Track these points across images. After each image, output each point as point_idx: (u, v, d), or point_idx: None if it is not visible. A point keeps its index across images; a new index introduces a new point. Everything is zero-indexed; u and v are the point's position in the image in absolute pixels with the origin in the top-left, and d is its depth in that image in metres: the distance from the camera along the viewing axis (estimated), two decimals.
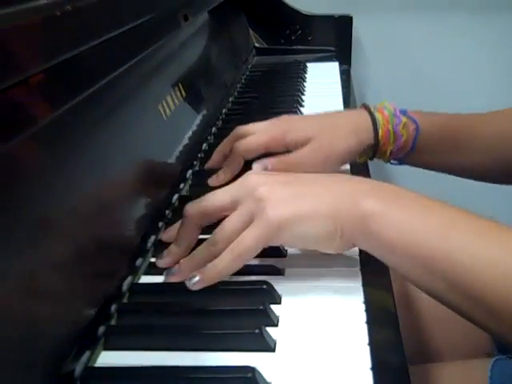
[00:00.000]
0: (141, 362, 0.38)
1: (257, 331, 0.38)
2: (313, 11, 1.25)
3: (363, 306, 0.42)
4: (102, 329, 0.40)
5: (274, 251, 0.47)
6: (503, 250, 0.39)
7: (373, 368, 0.36)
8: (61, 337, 0.36)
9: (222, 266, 0.42)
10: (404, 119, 0.61)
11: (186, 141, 0.66)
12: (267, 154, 0.60)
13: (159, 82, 0.65)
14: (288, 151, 0.59)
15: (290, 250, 0.50)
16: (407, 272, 0.42)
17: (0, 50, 0.33)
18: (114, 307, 0.43)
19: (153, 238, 0.51)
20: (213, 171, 0.62)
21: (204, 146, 0.73)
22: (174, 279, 0.45)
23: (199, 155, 0.70)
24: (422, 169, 0.67)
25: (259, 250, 0.43)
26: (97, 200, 0.44)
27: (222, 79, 0.95)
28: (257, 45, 1.28)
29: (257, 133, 0.60)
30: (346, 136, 0.60)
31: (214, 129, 0.80)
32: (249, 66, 1.17)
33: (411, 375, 0.37)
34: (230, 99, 0.94)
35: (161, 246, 0.50)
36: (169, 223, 0.54)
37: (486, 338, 0.67)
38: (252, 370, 0.35)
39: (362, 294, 0.43)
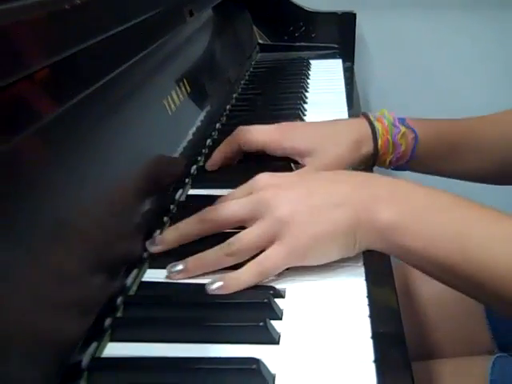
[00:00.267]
0: (146, 354, 0.38)
1: (261, 324, 0.39)
2: (316, 8, 1.26)
3: (366, 301, 0.42)
4: (108, 321, 0.41)
5: None
6: None
7: (376, 361, 0.37)
8: (69, 328, 0.36)
9: (246, 277, 0.43)
10: (403, 129, 0.62)
11: (190, 136, 0.66)
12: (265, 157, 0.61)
13: (164, 78, 0.65)
14: (285, 157, 0.61)
15: None
16: (423, 269, 0.44)
17: (6, 45, 0.34)
18: (119, 300, 0.43)
19: (158, 232, 0.52)
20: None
21: (208, 141, 0.74)
22: (179, 277, 0.46)
23: (203, 151, 0.70)
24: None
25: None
26: (102, 194, 0.45)
27: (225, 75, 0.95)
28: (260, 41, 1.28)
29: (259, 131, 0.62)
30: (347, 145, 0.60)
31: (218, 125, 0.80)
32: (252, 63, 1.17)
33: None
34: (234, 95, 0.94)
35: None
36: (173, 218, 0.55)
37: (487, 335, 0.68)
38: (257, 361, 0.35)
39: (365, 288, 0.44)
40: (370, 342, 0.38)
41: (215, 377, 0.36)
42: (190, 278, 0.46)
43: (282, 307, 0.42)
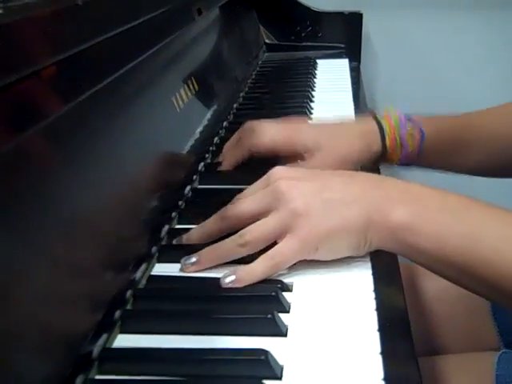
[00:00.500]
0: (155, 345, 0.39)
1: (269, 316, 0.39)
2: (323, 8, 1.26)
3: (373, 294, 0.43)
4: (118, 313, 0.41)
5: None
6: None
7: (382, 353, 0.37)
8: (80, 320, 0.37)
9: (259, 270, 0.44)
10: (410, 128, 0.62)
11: (197, 135, 0.67)
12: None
13: (173, 76, 0.66)
14: (295, 155, 0.60)
15: None
16: (433, 268, 0.44)
17: (19, 42, 0.34)
18: (129, 293, 0.44)
19: (166, 227, 0.52)
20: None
21: (215, 139, 0.74)
22: (193, 269, 0.46)
23: (211, 148, 0.71)
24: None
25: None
26: (112, 191, 0.45)
27: (233, 74, 0.96)
28: (267, 41, 1.28)
29: (268, 132, 0.61)
30: (356, 143, 0.61)
31: (225, 123, 0.81)
32: (259, 62, 1.18)
33: None
34: (241, 94, 0.95)
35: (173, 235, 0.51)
36: (182, 213, 0.56)
37: (493, 332, 0.68)
38: (265, 352, 0.36)
39: (372, 282, 0.44)
40: (377, 335, 0.39)
41: (224, 368, 0.37)
42: (201, 271, 0.46)
43: (289, 301, 0.43)
